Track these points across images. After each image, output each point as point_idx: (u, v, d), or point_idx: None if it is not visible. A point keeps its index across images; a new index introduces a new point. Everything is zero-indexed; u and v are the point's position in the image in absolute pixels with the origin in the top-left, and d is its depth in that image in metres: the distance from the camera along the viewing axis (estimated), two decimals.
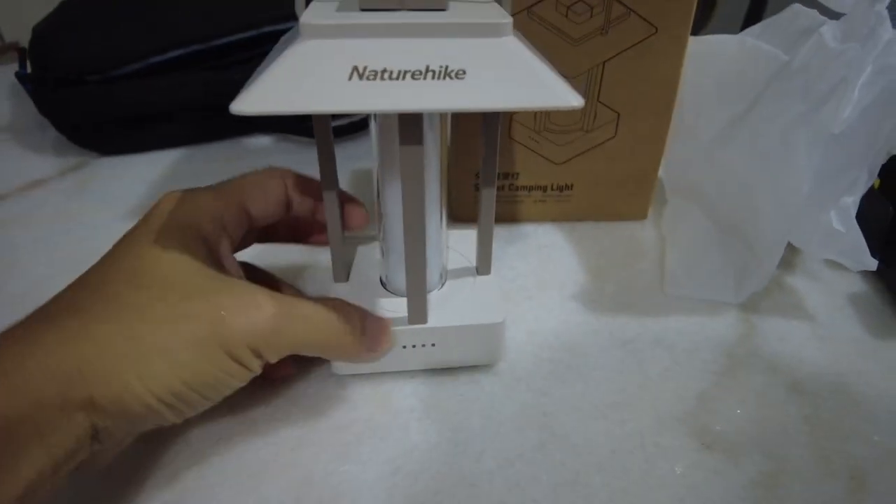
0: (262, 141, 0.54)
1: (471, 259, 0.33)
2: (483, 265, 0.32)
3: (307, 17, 0.21)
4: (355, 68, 0.20)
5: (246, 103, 0.20)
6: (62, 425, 0.19)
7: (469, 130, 0.38)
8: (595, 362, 0.31)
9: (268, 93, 0.20)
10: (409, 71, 0.20)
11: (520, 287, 0.36)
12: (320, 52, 0.20)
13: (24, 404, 0.18)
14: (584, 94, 0.37)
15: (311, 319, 0.24)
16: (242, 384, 0.23)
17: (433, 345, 0.29)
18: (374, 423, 0.28)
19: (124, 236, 0.24)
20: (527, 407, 0.29)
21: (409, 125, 0.23)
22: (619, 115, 0.38)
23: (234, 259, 0.27)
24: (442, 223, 0.29)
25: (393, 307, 0.29)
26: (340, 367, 0.29)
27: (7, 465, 0.18)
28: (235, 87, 0.21)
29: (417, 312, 0.28)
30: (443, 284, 0.31)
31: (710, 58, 0.37)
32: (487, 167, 0.28)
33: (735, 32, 0.37)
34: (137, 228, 0.24)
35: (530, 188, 0.41)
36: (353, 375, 0.30)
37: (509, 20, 0.21)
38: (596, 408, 0.29)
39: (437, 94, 0.20)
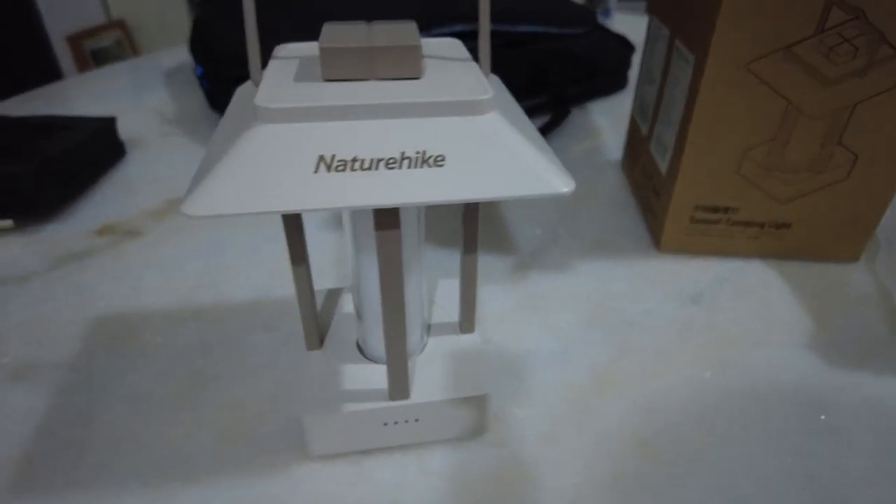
0: None
1: (453, 314, 0.31)
2: (466, 324, 0.29)
3: (263, 96, 0.18)
4: (322, 158, 0.17)
5: (197, 205, 0.17)
6: None
7: (698, 155, 0.37)
8: (851, 421, 0.30)
9: (221, 191, 0.17)
10: (383, 159, 0.18)
11: (747, 331, 0.35)
12: (281, 139, 0.18)
13: None
14: (826, 135, 0.36)
15: None
16: None
17: (416, 420, 0.27)
18: None
19: None
20: (786, 466, 0.28)
21: (386, 215, 0.21)
22: (856, 157, 0.36)
23: None
24: (422, 280, 0.27)
25: (371, 378, 0.27)
26: (316, 447, 0.27)
27: None
28: None
29: (399, 389, 0.26)
30: (424, 346, 0.29)
31: None
32: (469, 237, 0.26)
33: None
34: None
35: (747, 224, 0.40)
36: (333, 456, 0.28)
37: (491, 93, 0.19)
38: (866, 472, 0.28)
39: (415, 186, 0.18)
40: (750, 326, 0.35)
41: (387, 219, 0.21)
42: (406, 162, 0.18)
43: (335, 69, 0.19)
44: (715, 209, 0.39)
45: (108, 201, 0.46)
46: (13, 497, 0.26)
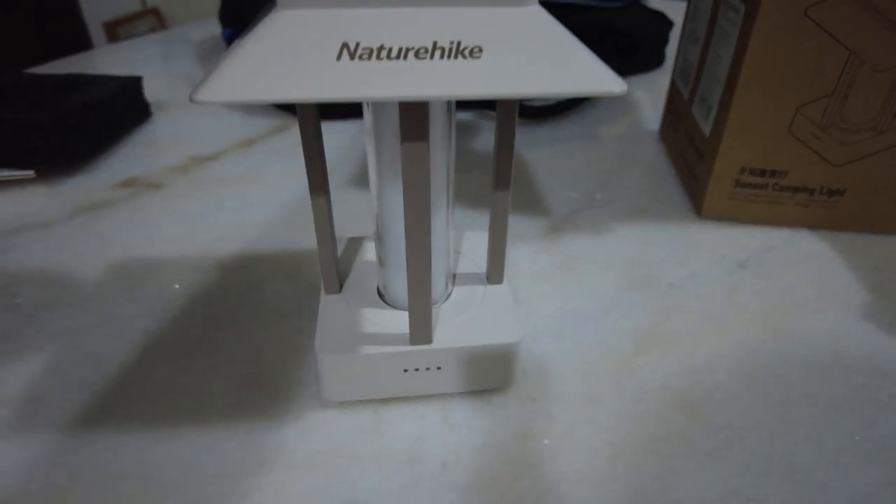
0: (462, 116, 0.53)
1: (481, 265, 0.29)
2: (494, 273, 0.27)
3: None
4: (345, 45, 0.16)
5: (209, 91, 0.16)
6: None
7: (746, 113, 0.35)
8: None
9: (237, 77, 0.16)
10: (413, 48, 0.16)
11: (801, 299, 0.32)
12: (302, 25, 0.16)
13: None
14: (890, 89, 0.33)
15: None
16: None
17: (439, 368, 0.25)
18: None
19: None
20: (852, 436, 0.25)
21: (413, 117, 0.19)
22: None
23: None
24: (448, 223, 0.25)
25: (392, 323, 0.25)
26: (332, 392, 0.26)
27: None
28: None
29: (420, 332, 0.24)
30: (449, 295, 0.27)
31: None
32: (502, 167, 0.24)
33: None
34: None
35: (796, 189, 0.37)
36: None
37: None
38: None
39: (446, 78, 0.16)
40: (803, 295, 0.33)
41: (414, 123, 0.19)
42: (438, 52, 0.16)
43: None
44: (762, 172, 0.37)
45: (131, 157, 0.45)
46: (20, 433, 0.25)
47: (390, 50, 0.16)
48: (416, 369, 0.25)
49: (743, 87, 0.34)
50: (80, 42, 1.61)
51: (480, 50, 0.17)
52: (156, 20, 1.84)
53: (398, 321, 0.26)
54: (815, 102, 0.34)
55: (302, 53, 0.16)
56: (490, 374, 0.26)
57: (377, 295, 0.27)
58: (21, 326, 0.30)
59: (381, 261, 0.26)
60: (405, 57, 0.16)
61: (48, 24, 1.47)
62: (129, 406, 0.26)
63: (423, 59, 0.16)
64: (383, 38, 0.16)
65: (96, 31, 1.68)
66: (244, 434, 0.25)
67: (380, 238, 0.25)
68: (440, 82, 0.16)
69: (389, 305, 0.27)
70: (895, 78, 0.33)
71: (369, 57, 0.16)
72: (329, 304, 0.26)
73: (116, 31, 1.73)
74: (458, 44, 0.16)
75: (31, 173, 0.41)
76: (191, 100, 0.16)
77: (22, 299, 0.31)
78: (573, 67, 0.17)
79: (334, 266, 0.26)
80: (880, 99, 0.33)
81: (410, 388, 0.26)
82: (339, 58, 0.16)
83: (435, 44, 0.16)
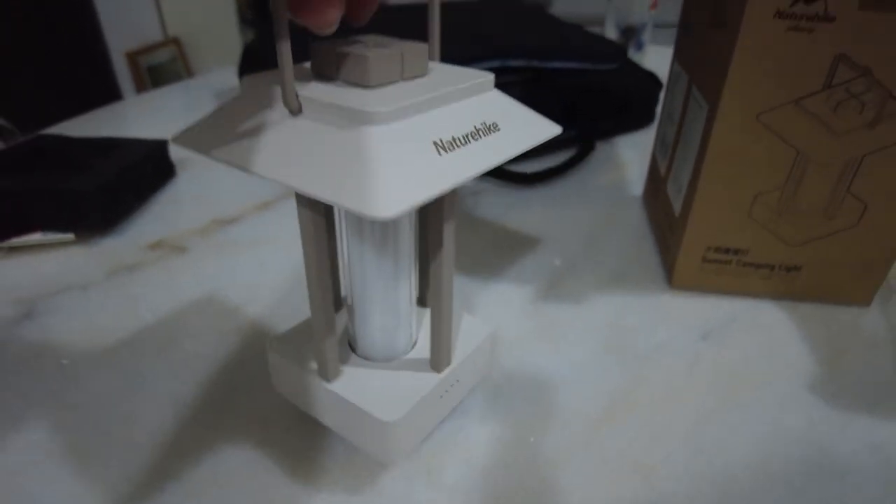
0: None
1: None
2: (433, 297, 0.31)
3: (365, 102, 0.20)
4: (435, 144, 0.21)
5: (385, 206, 0.18)
6: None
7: (710, 198, 0.39)
8: (849, 467, 0.31)
9: (397, 188, 0.19)
10: (469, 133, 0.22)
11: (753, 371, 0.36)
12: (406, 134, 0.20)
13: None
14: (836, 183, 0.37)
15: None
16: None
17: (458, 381, 0.30)
18: None
19: None
20: None
21: (448, 202, 0.24)
22: (866, 206, 0.38)
23: None
24: (411, 277, 0.29)
25: (400, 370, 0.29)
26: (398, 452, 0.27)
27: None
28: None
29: (444, 358, 0.28)
30: (415, 343, 0.31)
31: None
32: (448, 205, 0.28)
33: None
34: None
35: (758, 265, 0.41)
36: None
37: (491, 74, 0.24)
38: None
39: (493, 150, 0.22)
40: (758, 366, 0.37)
41: (449, 208, 0.24)
42: (481, 133, 0.22)
43: (380, 74, 0.22)
44: (726, 250, 0.41)
45: (158, 219, 0.50)
46: (71, 487, 0.29)
47: (459, 139, 0.22)
48: (447, 390, 0.29)
49: (706, 176, 0.38)
50: (103, 71, 1.68)
51: (497, 125, 0.23)
52: (176, 49, 1.91)
53: (401, 367, 0.29)
54: (771, 192, 0.38)
55: (416, 156, 0.20)
56: (484, 365, 0.32)
57: (356, 356, 0.29)
58: (66, 386, 0.34)
59: (359, 326, 0.28)
60: (469, 142, 0.22)
61: (75, 56, 1.53)
62: (161, 464, 0.30)
63: (478, 139, 0.22)
64: (453, 131, 0.22)
65: (119, 60, 1.75)
66: (258, 496, 0.29)
67: (356, 299, 0.28)
68: (492, 154, 0.22)
69: (376, 360, 0.29)
70: (840, 172, 0.37)
71: (453, 147, 0.21)
72: (345, 384, 0.28)
73: (137, 60, 1.80)
74: (485, 123, 0.22)
75: (70, 236, 0.46)
76: (372, 216, 0.18)
77: (67, 360, 0.36)
78: (537, 125, 0.24)
79: (336, 353, 0.28)
80: (828, 190, 0.37)
81: (445, 408, 0.30)
82: (439, 154, 0.21)
83: (475, 127, 0.22)
